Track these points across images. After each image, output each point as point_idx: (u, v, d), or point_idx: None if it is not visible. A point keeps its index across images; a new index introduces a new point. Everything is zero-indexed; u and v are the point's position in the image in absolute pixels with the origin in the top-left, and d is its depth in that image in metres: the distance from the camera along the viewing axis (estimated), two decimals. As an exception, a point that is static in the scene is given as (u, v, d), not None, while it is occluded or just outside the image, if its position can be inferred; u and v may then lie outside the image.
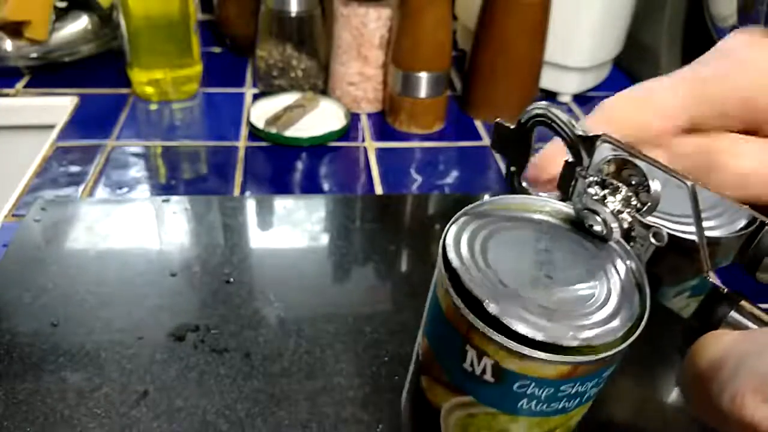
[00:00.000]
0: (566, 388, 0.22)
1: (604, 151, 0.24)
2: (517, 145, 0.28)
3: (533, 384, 0.22)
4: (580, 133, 0.25)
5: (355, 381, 0.37)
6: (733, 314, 0.22)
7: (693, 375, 0.20)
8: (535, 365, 0.21)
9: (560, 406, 0.23)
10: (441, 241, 0.23)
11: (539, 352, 0.21)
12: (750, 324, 0.22)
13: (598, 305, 0.22)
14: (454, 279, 0.22)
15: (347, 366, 0.38)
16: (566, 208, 0.26)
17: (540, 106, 0.26)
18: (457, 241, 0.24)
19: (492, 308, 0.21)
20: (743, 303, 0.22)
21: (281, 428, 0.34)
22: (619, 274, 0.24)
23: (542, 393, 0.22)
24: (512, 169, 0.30)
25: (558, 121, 0.25)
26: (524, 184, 0.30)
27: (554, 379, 0.21)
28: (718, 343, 0.20)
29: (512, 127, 0.28)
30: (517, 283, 0.22)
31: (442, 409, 0.25)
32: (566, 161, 0.26)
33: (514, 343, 0.21)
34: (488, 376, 0.22)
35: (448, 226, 0.24)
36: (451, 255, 0.23)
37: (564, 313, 0.22)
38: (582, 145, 0.25)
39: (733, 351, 0.19)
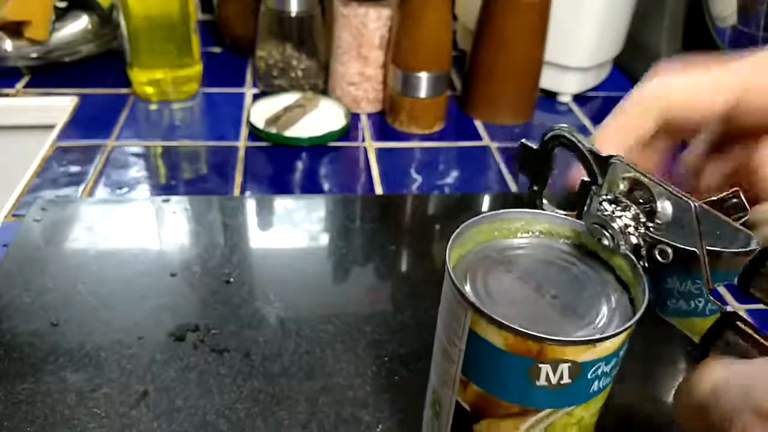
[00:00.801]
0: (621, 352, 0.24)
1: (617, 171, 0.25)
2: (539, 164, 0.30)
3: (603, 363, 0.23)
4: (596, 152, 0.26)
5: (355, 381, 0.37)
6: (730, 333, 0.23)
7: (689, 403, 0.21)
8: (606, 345, 0.22)
9: (613, 374, 0.24)
10: (453, 287, 0.24)
11: (610, 331, 0.22)
12: (743, 343, 0.22)
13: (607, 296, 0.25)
14: (486, 314, 0.23)
15: (347, 366, 0.38)
16: (562, 226, 0.28)
17: (562, 128, 0.28)
18: (472, 282, 0.25)
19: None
20: (739, 323, 0.23)
21: (281, 428, 0.34)
22: (613, 272, 0.26)
23: (608, 367, 0.24)
24: (534, 188, 0.31)
25: (577, 143, 0.27)
26: (545, 201, 0.31)
27: (616, 349, 0.23)
28: (712, 373, 0.21)
29: (535, 147, 0.30)
30: (537, 308, 0.24)
31: None
32: (582, 180, 0.27)
33: (590, 336, 0.22)
34: (566, 379, 0.23)
35: (447, 265, 0.25)
36: (473, 296, 0.24)
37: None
38: (597, 164, 0.26)
39: (732, 382, 0.20)
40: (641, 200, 0.25)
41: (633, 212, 0.25)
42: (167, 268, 0.44)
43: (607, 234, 0.25)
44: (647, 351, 0.39)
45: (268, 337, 0.39)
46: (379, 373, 0.38)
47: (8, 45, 0.68)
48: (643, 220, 0.25)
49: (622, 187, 0.25)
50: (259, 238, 0.48)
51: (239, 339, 0.39)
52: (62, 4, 0.70)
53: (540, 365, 0.22)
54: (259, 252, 0.47)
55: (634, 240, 0.25)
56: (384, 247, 0.48)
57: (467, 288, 0.25)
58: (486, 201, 0.55)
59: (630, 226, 0.25)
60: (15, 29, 0.67)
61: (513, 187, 0.57)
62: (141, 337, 0.39)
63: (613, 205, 0.25)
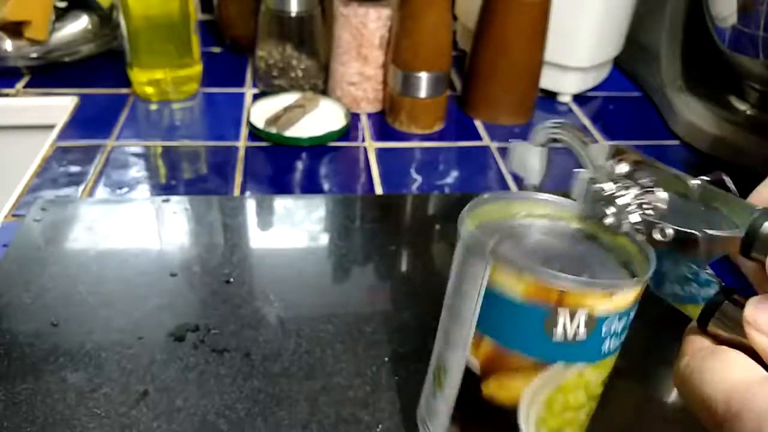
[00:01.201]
0: (631, 313, 0.24)
1: (615, 157, 0.26)
2: (532, 161, 0.30)
3: (616, 319, 0.24)
4: (591, 142, 0.27)
5: (355, 381, 0.37)
6: (726, 306, 0.23)
7: (701, 403, 0.21)
8: (621, 297, 0.23)
9: (622, 338, 0.25)
10: (474, 238, 0.25)
11: (627, 280, 0.23)
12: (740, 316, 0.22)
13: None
14: (509, 260, 0.24)
15: (347, 366, 0.38)
16: (563, 210, 0.28)
17: (554, 124, 0.28)
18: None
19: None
20: (736, 296, 0.23)
21: (281, 428, 0.34)
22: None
23: (620, 326, 0.24)
24: (527, 184, 0.32)
25: (571, 138, 0.28)
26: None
27: (628, 307, 0.24)
28: (726, 379, 0.21)
29: (528, 144, 0.30)
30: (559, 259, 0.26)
31: (522, 400, 0.26)
32: (579, 170, 0.28)
33: (607, 281, 0.23)
34: (581, 332, 0.24)
35: (465, 226, 0.25)
36: (492, 244, 0.24)
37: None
38: (594, 154, 0.27)
39: (752, 405, 0.20)
40: (642, 182, 0.26)
41: (634, 193, 0.26)
42: (167, 268, 0.44)
43: (609, 212, 0.26)
44: (646, 346, 0.40)
45: (268, 337, 0.39)
46: (379, 373, 0.38)
47: (8, 45, 0.68)
48: (643, 201, 0.25)
49: (622, 170, 0.26)
50: (259, 238, 0.48)
51: (239, 339, 0.39)
52: (62, 4, 0.71)
53: (558, 313, 0.23)
54: (259, 252, 0.47)
55: (635, 218, 0.25)
56: (384, 247, 0.48)
57: (481, 237, 0.25)
58: (486, 201, 0.55)
59: (632, 205, 0.25)
60: (15, 29, 0.67)
61: (513, 187, 0.57)
62: (141, 337, 0.39)
63: (617, 185, 0.26)
